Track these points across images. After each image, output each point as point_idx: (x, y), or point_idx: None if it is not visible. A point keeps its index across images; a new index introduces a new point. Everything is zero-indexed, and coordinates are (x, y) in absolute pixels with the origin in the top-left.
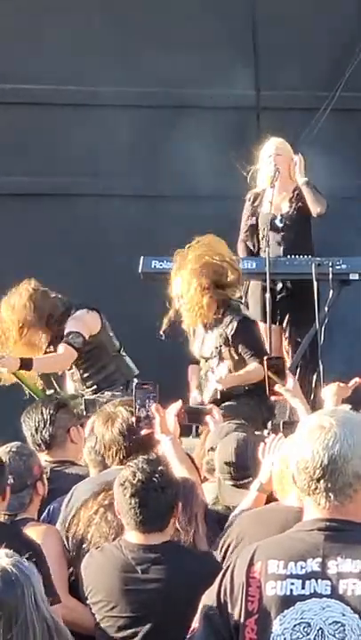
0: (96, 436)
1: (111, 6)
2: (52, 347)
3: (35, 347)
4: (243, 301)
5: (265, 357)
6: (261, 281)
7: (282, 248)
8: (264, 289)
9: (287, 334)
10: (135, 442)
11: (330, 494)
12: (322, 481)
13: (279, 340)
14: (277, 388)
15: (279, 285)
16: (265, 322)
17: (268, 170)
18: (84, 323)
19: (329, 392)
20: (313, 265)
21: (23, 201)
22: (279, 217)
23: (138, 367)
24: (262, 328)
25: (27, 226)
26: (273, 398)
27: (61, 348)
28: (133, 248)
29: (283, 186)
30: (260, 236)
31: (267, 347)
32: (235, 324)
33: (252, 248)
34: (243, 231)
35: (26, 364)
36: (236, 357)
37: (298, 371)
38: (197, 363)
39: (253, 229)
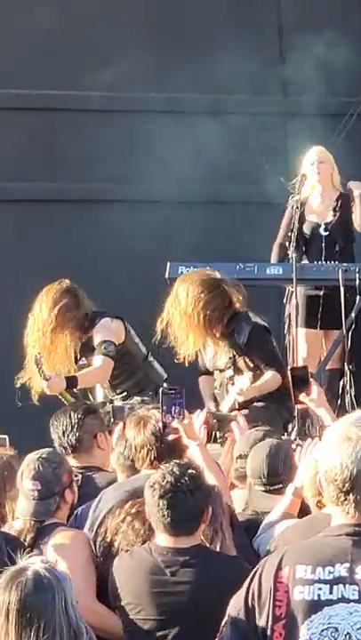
0: (126, 440)
1: (142, 11)
2: (83, 359)
3: (64, 351)
4: (287, 307)
5: (289, 367)
6: (304, 287)
7: (323, 255)
8: (306, 296)
9: (330, 339)
10: (167, 445)
11: (360, 505)
12: (351, 493)
13: (318, 344)
14: (302, 397)
15: (321, 291)
16: (306, 327)
17: (312, 177)
18: (112, 331)
19: None
20: (340, 271)
21: (27, 206)
22: (323, 225)
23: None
24: (303, 333)
25: (43, 231)
26: (298, 407)
27: (98, 360)
28: (152, 253)
29: (326, 194)
30: (299, 243)
31: (301, 351)
32: (247, 332)
33: (289, 254)
34: (281, 236)
35: (71, 382)
36: (252, 365)
37: (328, 377)
38: (208, 373)
39: (293, 236)
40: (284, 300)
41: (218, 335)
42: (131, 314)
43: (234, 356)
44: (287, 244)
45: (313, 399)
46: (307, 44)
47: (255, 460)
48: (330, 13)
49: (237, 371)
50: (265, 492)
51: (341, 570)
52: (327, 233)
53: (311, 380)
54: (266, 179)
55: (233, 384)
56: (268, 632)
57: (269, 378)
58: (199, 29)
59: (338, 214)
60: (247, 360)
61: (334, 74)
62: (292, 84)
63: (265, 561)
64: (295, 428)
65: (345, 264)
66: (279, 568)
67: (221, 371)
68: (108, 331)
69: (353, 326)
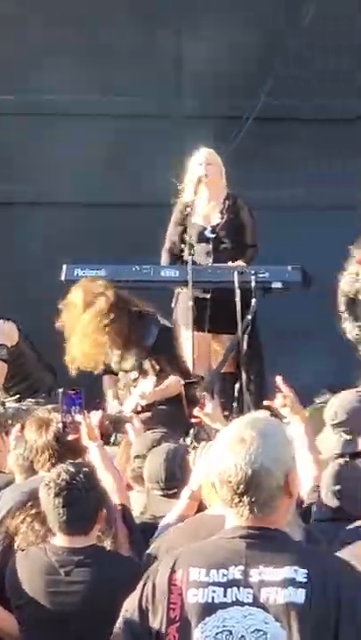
0: (26, 442)
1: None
2: None
3: None
4: (175, 311)
5: (182, 383)
6: (187, 289)
7: (211, 259)
8: (194, 298)
9: (218, 342)
10: (67, 447)
11: (254, 507)
12: (245, 496)
13: (206, 347)
14: (196, 412)
15: (209, 294)
16: (193, 330)
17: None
18: (4, 333)
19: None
20: (235, 273)
21: None
22: (209, 228)
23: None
24: (191, 336)
25: None
26: (193, 421)
27: None
28: (51, 255)
29: (213, 195)
30: (188, 246)
31: (190, 355)
32: (154, 334)
33: (178, 257)
34: (168, 240)
35: None
36: (158, 368)
37: (222, 381)
38: (112, 373)
39: (181, 239)
40: (172, 304)
41: (124, 340)
42: (31, 315)
43: (140, 358)
44: (179, 245)
45: (208, 414)
46: (203, 46)
47: (152, 464)
48: (223, 13)
49: (143, 372)
50: (163, 496)
51: (235, 572)
52: (214, 235)
53: (204, 394)
54: (160, 180)
55: (136, 386)
56: (163, 635)
57: (172, 382)
58: (93, 28)
59: (225, 217)
60: (153, 362)
61: (229, 77)
62: (186, 86)
63: (158, 563)
64: (192, 433)
65: (240, 266)
66: (173, 571)
67: (127, 372)
68: (1, 334)
69: (248, 329)
